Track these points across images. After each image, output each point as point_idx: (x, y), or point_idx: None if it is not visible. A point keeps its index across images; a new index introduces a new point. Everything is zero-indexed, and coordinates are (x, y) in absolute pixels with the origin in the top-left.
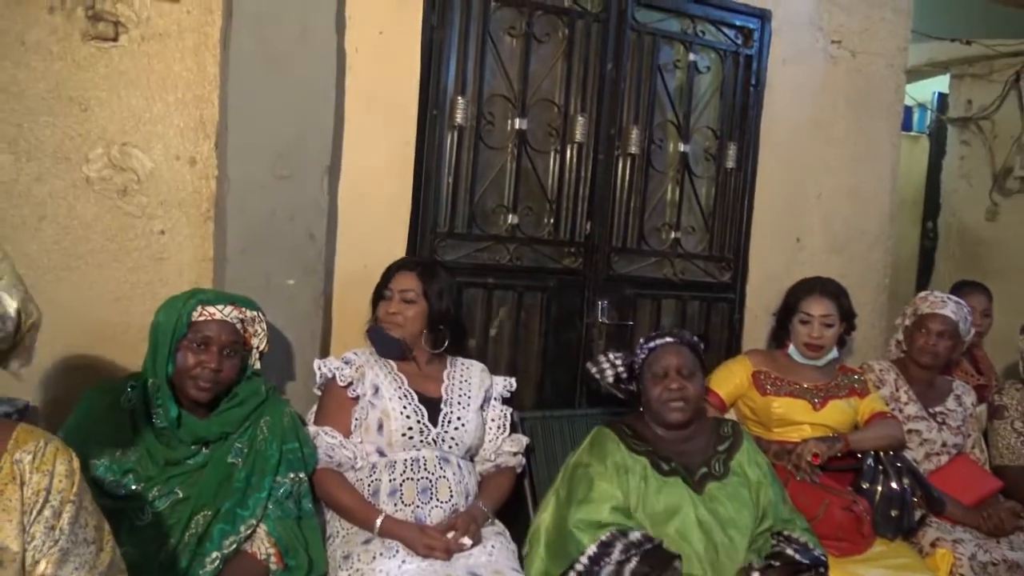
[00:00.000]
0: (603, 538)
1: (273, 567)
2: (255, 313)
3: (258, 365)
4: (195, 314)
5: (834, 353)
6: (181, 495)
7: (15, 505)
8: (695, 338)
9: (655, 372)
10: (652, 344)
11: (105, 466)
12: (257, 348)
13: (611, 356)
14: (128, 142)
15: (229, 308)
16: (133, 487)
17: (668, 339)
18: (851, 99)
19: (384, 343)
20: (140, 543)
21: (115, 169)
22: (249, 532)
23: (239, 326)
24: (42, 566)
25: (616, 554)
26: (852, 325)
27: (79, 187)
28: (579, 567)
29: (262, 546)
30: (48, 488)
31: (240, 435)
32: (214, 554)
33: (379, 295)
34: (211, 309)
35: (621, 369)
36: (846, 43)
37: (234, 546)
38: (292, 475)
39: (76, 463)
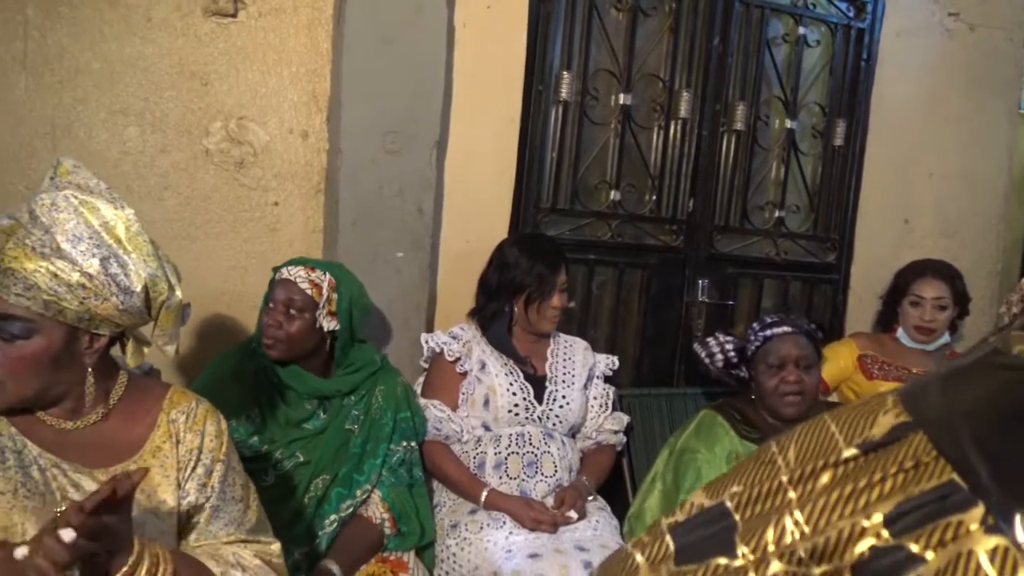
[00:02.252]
0: None
1: (387, 532)
2: (323, 273)
3: (327, 325)
4: (276, 279)
5: (946, 338)
6: (302, 459)
7: (171, 463)
8: (813, 327)
9: (770, 363)
10: (768, 332)
11: (232, 426)
12: (324, 307)
13: (721, 339)
14: (245, 116)
15: (296, 268)
16: (259, 448)
17: (786, 328)
18: (968, 75)
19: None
20: (264, 503)
21: (232, 142)
22: (364, 497)
23: (306, 286)
24: (196, 519)
25: None
26: (966, 310)
27: (199, 159)
28: None
29: (377, 511)
30: (200, 447)
31: (356, 402)
32: (332, 516)
33: (546, 290)
34: (283, 271)
35: (732, 354)
36: (964, 16)
37: (351, 510)
38: (405, 443)
39: (224, 424)
